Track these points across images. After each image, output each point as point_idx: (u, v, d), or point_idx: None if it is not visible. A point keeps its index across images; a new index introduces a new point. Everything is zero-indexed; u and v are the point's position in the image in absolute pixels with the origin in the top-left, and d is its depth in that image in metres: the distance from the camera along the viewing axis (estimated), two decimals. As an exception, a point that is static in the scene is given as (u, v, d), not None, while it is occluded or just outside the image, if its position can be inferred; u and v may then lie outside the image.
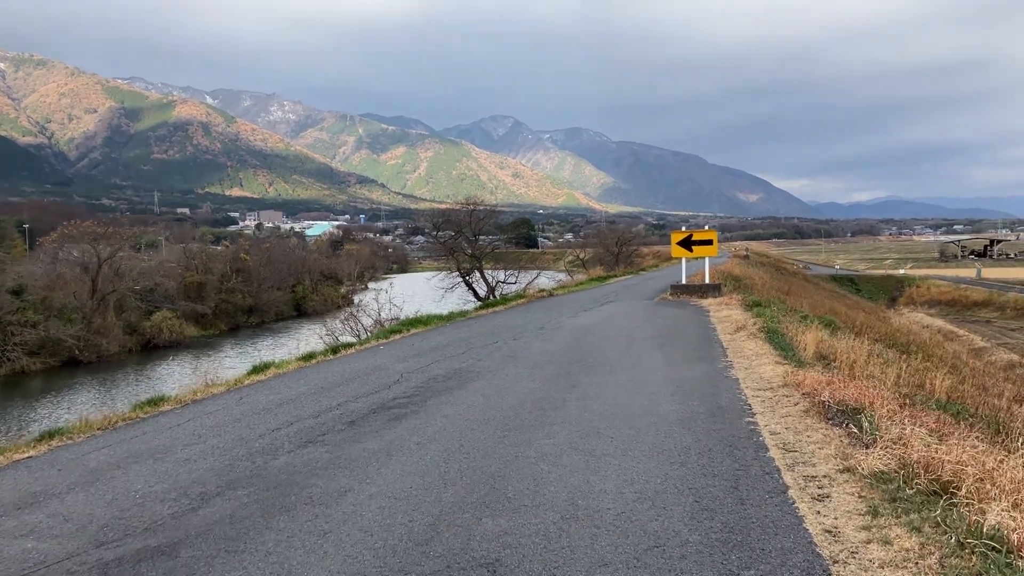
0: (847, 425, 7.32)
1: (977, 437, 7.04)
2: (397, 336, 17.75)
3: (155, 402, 11.21)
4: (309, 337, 49.95)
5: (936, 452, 5.85)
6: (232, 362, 45.85)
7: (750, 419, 8.08)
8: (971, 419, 9.86)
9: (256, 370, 13.68)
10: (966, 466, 5.49)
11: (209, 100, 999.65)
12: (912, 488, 5.39)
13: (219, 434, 8.94)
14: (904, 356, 18.39)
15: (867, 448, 6.34)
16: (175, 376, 45.41)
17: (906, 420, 7.46)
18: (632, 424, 8.10)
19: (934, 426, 7.63)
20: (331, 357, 14.74)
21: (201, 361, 53.26)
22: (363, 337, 22.14)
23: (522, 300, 27.27)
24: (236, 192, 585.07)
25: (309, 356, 14.68)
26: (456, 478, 6.53)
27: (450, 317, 21.54)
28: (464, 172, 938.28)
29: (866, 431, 6.94)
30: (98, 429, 9.85)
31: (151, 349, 61.27)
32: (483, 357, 13.40)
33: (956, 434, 7.74)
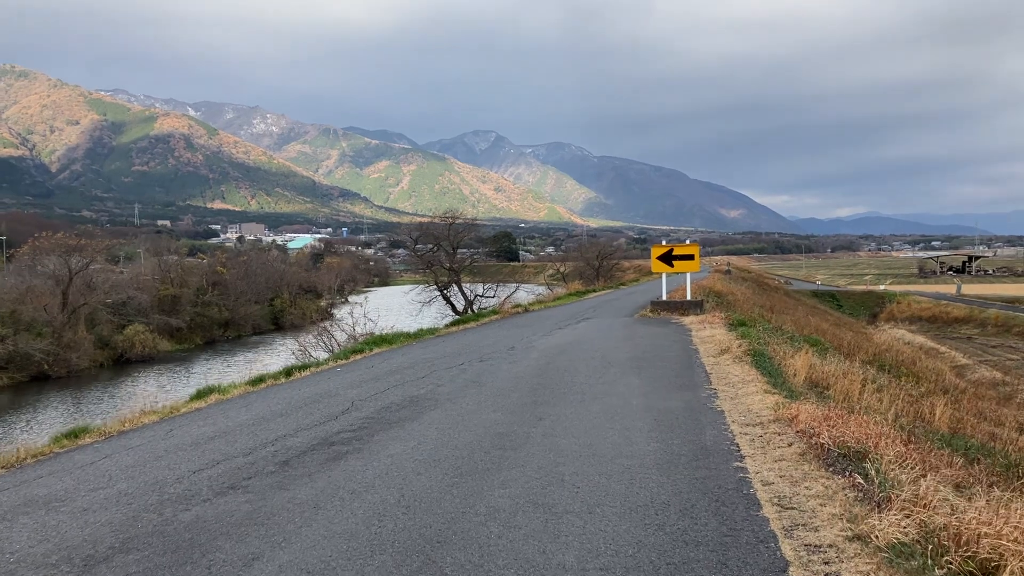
0: (851, 473, 6.28)
1: (1002, 490, 6.04)
2: (358, 356, 16.59)
3: (76, 434, 10.06)
4: (282, 352, 48.74)
5: (965, 517, 4.81)
6: (199, 380, 44.42)
7: (738, 463, 7.01)
8: (980, 456, 8.87)
9: (199, 395, 12.53)
10: (1005, 539, 4.45)
11: (192, 112, 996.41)
12: (943, 568, 4.34)
13: (132, 476, 7.80)
14: (894, 379, 17.46)
15: (879, 508, 5.28)
16: (140, 393, 44.00)
17: (916, 466, 6.45)
18: (603, 469, 7.02)
19: (950, 474, 6.63)
20: (282, 381, 13.57)
21: (171, 377, 51.94)
22: (336, 352, 20.97)
23: (496, 316, 26.16)
24: (218, 205, 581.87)
25: (258, 380, 13.52)
26: (388, 542, 5.42)
27: (418, 335, 20.41)
28: (447, 186, 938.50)
29: (874, 482, 5.91)
30: (1, 468, 8.70)
31: (123, 364, 59.91)
32: (444, 382, 12.28)
33: (975, 483, 6.74)
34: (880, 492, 5.55)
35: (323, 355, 23.88)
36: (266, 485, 7.12)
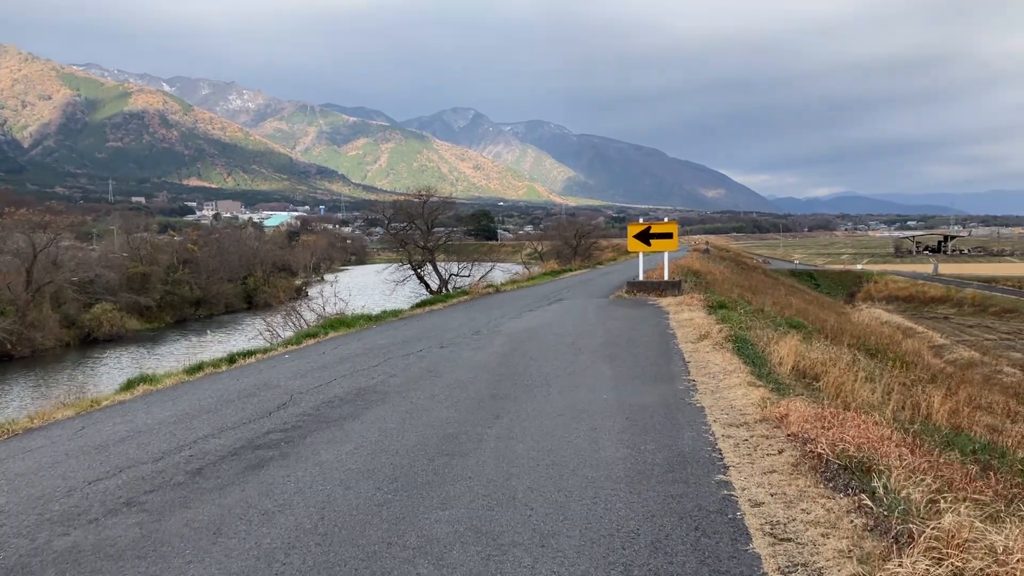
0: (856, 491, 5.27)
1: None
2: (311, 341, 15.44)
3: (-27, 433, 8.92)
4: (250, 332, 47.47)
5: (1010, 560, 3.81)
6: (159, 361, 43.05)
7: (721, 475, 5.98)
8: (992, 459, 7.92)
9: (128, 385, 11.38)
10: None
11: (167, 88, 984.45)
12: (990, 639, 3.33)
13: (17, 488, 6.68)
14: (881, 364, 16.59)
15: (897, 545, 4.27)
16: (101, 373, 42.71)
17: (928, 479, 5.45)
18: (562, 483, 5.96)
19: (969, 489, 5.63)
20: (223, 369, 12.39)
21: (133, 359, 50.60)
22: (288, 336, 19.83)
23: (465, 297, 25.01)
24: (194, 182, 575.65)
25: (197, 368, 12.35)
26: (289, 587, 4.36)
27: (380, 317, 19.25)
28: (425, 164, 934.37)
29: (883, 502, 4.91)
30: None
31: (90, 343, 58.52)
32: (398, 371, 11.17)
33: (997, 498, 5.76)
34: (897, 522, 4.53)
35: (292, 335, 22.76)
36: (167, 501, 6.02)
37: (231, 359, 13.04)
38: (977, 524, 4.20)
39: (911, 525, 4.38)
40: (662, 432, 7.34)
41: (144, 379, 11.60)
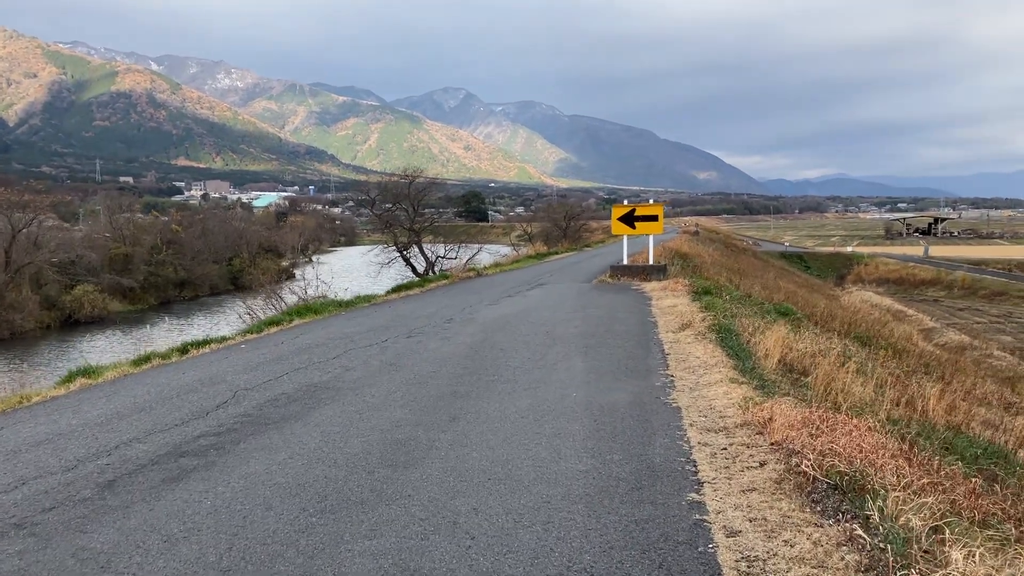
0: (847, 517, 4.56)
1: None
2: (274, 329, 14.63)
3: None
4: (232, 315, 46.71)
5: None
6: (134, 346, 42.19)
7: (694, 494, 5.24)
8: (995, 466, 7.23)
9: (68, 379, 10.60)
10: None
11: (154, 66, 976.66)
12: None
13: (-99, 504, 5.92)
14: (873, 352, 15.95)
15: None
16: (75, 357, 41.81)
17: (929, 497, 4.74)
18: (513, 503, 5.20)
19: (975, 511, 4.93)
20: (173, 360, 11.59)
21: (109, 341, 49.74)
22: (252, 323, 19.05)
23: (444, 281, 24.24)
24: (182, 162, 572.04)
25: (145, 359, 11.54)
26: (165, 646, 3.63)
27: (350, 303, 18.43)
28: (416, 144, 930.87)
29: (880, 533, 4.19)
30: None
31: (72, 325, 57.57)
32: (357, 364, 10.39)
33: (1005, 519, 5.06)
34: (896, 563, 3.81)
35: (254, 323, 21.99)
36: (62, 523, 5.26)
37: (183, 349, 12.25)
38: (987, 558, 3.47)
39: (912, 569, 3.66)
40: (632, 438, 6.60)
41: (84, 372, 10.79)
